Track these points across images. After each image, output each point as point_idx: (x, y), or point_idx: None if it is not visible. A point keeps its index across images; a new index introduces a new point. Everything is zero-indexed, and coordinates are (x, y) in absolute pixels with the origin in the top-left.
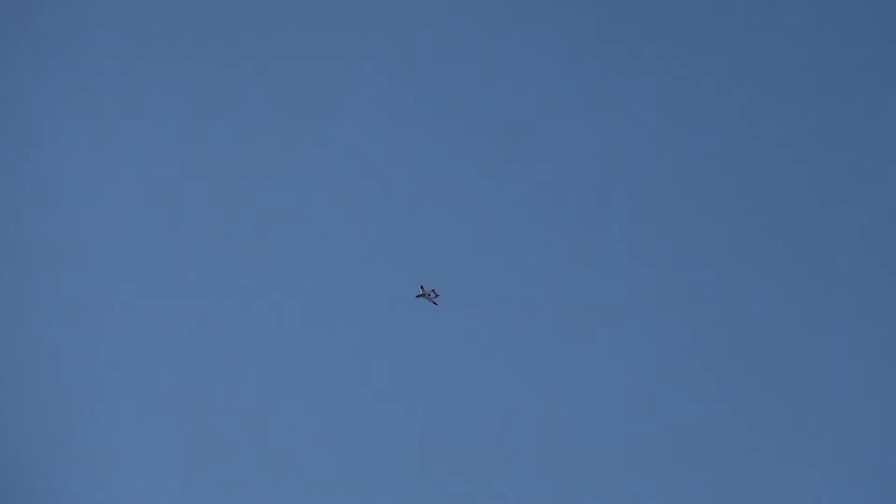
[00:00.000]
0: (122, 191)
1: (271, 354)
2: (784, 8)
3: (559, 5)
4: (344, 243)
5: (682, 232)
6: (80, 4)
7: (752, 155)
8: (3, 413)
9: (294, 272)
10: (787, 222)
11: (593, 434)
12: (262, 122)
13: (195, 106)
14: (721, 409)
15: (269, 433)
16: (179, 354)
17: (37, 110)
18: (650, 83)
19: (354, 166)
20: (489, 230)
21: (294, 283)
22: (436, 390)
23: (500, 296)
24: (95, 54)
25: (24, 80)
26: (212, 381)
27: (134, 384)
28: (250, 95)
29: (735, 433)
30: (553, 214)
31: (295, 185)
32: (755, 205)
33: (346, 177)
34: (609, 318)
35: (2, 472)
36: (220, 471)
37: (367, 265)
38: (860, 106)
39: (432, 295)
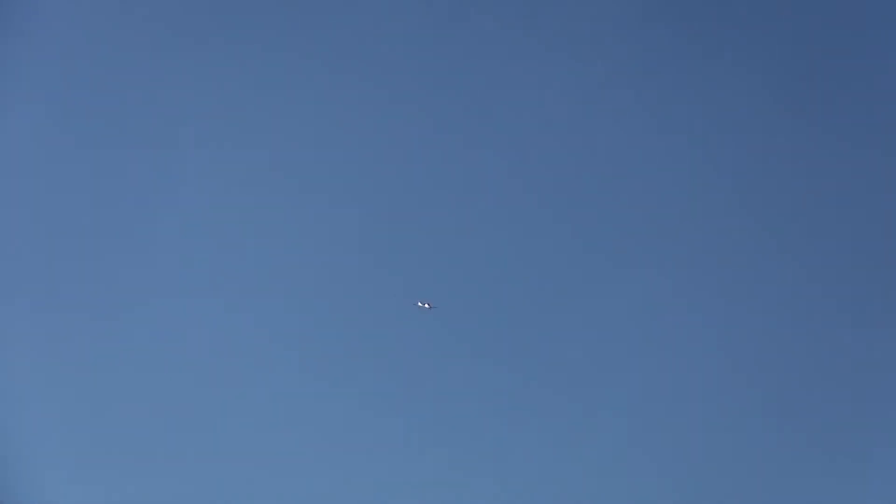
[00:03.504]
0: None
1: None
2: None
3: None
4: (338, 244)
5: (740, 233)
6: None
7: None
8: None
9: (277, 272)
10: (842, 229)
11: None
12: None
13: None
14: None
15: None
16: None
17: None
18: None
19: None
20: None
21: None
22: (432, 392)
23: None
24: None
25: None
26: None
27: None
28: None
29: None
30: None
31: (288, 186)
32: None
33: (345, 177)
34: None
35: None
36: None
37: (360, 268)
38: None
39: (427, 306)
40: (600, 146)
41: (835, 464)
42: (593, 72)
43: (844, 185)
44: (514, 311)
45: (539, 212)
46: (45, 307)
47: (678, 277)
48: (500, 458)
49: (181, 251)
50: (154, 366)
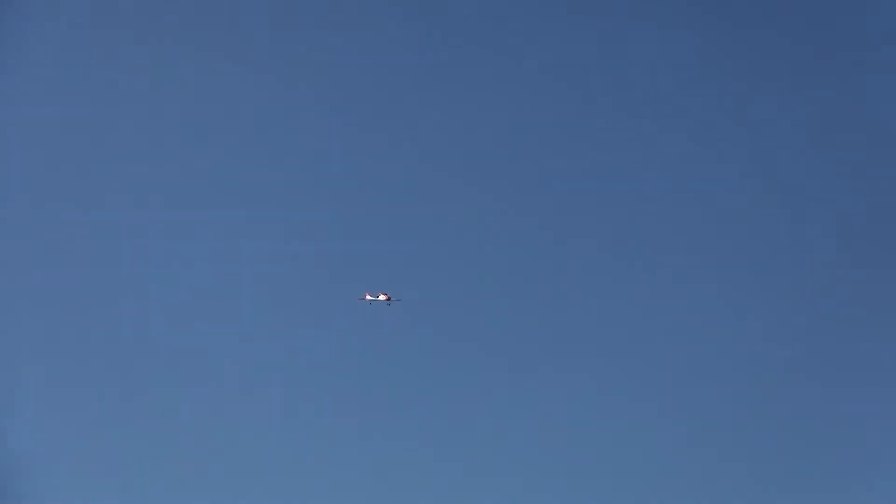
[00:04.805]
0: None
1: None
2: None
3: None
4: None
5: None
6: None
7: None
8: None
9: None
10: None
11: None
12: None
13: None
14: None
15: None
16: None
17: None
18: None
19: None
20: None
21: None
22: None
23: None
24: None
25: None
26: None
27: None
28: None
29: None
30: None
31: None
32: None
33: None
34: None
35: None
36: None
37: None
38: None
39: (379, 299)
40: (589, 140)
41: (833, 463)
42: (587, 70)
43: (850, 183)
44: (510, 308)
45: (535, 207)
46: (45, 309)
47: (680, 276)
48: (497, 456)
49: (182, 255)
50: (151, 369)
